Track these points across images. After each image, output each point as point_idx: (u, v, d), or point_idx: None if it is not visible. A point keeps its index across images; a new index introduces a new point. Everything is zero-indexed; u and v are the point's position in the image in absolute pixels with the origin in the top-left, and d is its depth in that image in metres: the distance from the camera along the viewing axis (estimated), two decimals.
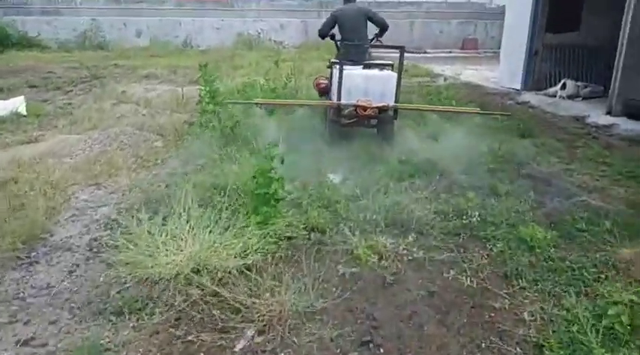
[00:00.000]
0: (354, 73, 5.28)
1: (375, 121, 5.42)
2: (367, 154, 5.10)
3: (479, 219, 3.58)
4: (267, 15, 19.23)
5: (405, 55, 5.10)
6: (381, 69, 5.49)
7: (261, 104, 5.78)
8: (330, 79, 5.94)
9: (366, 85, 5.21)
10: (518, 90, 9.75)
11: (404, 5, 21.04)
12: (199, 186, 3.98)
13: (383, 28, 5.89)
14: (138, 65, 13.65)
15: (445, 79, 11.34)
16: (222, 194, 3.68)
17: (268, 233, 3.14)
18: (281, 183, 3.30)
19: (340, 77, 5.14)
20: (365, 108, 5.11)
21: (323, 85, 6.18)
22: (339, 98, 5.19)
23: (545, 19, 9.30)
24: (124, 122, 6.72)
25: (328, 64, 5.99)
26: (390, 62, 5.64)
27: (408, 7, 20.75)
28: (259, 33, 19.03)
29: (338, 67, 5.17)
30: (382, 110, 5.15)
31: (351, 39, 5.70)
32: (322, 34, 6.02)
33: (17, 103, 7.20)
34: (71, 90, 9.72)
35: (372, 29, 6.01)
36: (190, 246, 3.00)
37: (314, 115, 6.46)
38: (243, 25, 18.91)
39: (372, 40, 5.94)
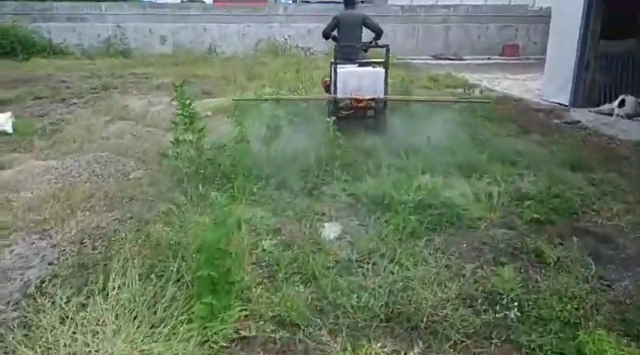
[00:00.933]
0: (347, 70, 6.02)
1: (372, 112, 6.26)
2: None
3: (518, 312, 2.55)
4: (294, 20, 18.44)
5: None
6: (373, 66, 6.19)
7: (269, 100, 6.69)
8: (331, 77, 6.35)
9: (358, 80, 5.96)
10: (565, 106, 8.51)
11: (439, 9, 19.83)
12: (151, 244, 3.11)
13: (377, 33, 6.62)
14: (156, 73, 13.09)
15: (481, 91, 10.19)
16: (173, 259, 2.80)
17: (212, 335, 2.23)
18: (238, 261, 2.37)
19: (335, 74, 5.96)
20: (359, 101, 5.89)
21: (328, 83, 6.66)
22: (335, 92, 5.98)
23: (598, 23, 8.05)
24: (108, 144, 5.98)
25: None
26: (380, 60, 6.12)
27: (444, 11, 19.52)
28: (286, 39, 18.25)
29: (340, 66, 5.94)
30: (375, 102, 5.96)
31: (347, 40, 6.47)
32: (325, 35, 6.93)
33: (2, 120, 6.57)
34: (75, 103, 9.13)
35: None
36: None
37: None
38: (269, 30, 18.18)
39: (369, 43, 6.61)
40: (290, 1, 47.69)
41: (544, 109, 8.42)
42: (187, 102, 4.31)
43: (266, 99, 6.80)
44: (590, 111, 7.94)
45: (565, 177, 4.70)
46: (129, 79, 12.24)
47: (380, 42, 6.53)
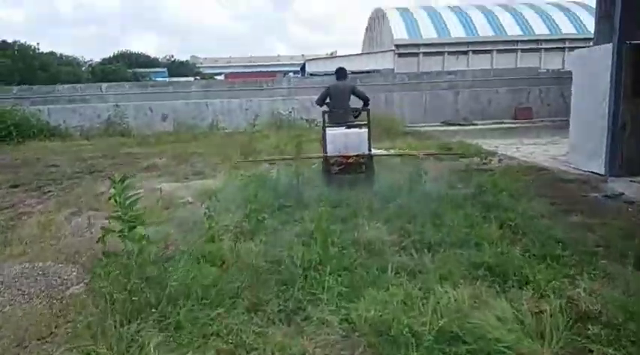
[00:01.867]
0: (335, 132, 6.92)
1: (363, 167, 6.81)
2: None
3: None
4: (297, 93, 18.07)
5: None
6: (359, 128, 7.01)
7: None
8: (322, 140, 7.05)
9: (345, 140, 6.82)
10: (601, 175, 7.41)
11: (444, 75, 19.42)
12: None
13: (364, 100, 7.55)
14: (151, 152, 12.44)
15: (500, 160, 9.18)
16: None
17: None
18: None
19: (324, 135, 6.85)
20: (347, 157, 6.70)
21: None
22: (325, 152, 6.83)
23: (630, 78, 7.11)
24: (61, 245, 4.99)
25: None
26: (364, 122, 6.85)
27: (451, 77, 19.08)
28: (290, 112, 17.80)
29: (329, 130, 6.88)
30: (358, 159, 6.72)
31: (337, 107, 7.43)
32: (318, 103, 7.77)
33: None
34: (50, 191, 8.29)
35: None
36: None
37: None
38: (272, 104, 17.79)
39: (358, 109, 7.61)
40: (299, 75, 48.75)
41: (576, 180, 7.31)
42: (128, 202, 3.26)
43: (265, 160, 8.37)
44: (633, 181, 6.82)
45: (633, 280, 3.52)
46: (119, 160, 11.53)
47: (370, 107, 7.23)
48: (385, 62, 39.67)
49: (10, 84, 27.55)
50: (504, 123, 18.18)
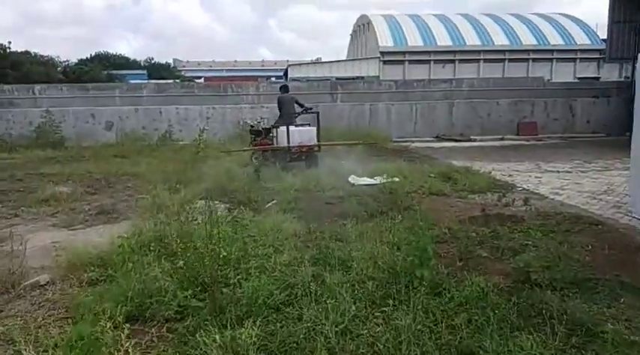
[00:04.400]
0: (294, 129, 9.52)
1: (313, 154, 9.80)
2: None
3: None
4: (267, 100, 15.45)
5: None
6: (308, 126, 10.02)
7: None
8: (275, 136, 9.92)
9: (300, 134, 9.58)
10: None
11: (439, 83, 17.00)
12: None
13: (304, 107, 10.38)
14: (70, 173, 9.72)
15: (526, 201, 6.66)
16: None
17: None
18: None
19: (288, 132, 9.24)
20: (304, 147, 9.57)
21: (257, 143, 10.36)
22: (289, 143, 9.25)
23: None
24: None
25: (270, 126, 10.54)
26: (308, 122, 10.17)
27: (445, 86, 16.67)
28: (258, 121, 15.14)
29: (283, 128, 9.45)
30: (311, 148, 9.68)
31: (287, 112, 10.13)
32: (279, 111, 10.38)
33: None
34: None
35: None
36: None
37: None
38: (238, 112, 15.16)
39: (299, 113, 10.33)
40: (281, 80, 46.28)
41: None
42: None
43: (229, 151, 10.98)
44: None
45: None
46: (19, 184, 8.78)
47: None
48: (370, 69, 37.55)
49: None
50: (506, 139, 15.82)
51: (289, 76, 40.08)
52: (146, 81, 43.52)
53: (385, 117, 15.73)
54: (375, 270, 3.93)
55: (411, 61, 37.40)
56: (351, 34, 52.51)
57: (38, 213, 6.67)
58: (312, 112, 10.08)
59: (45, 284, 4.01)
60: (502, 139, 15.82)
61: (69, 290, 3.89)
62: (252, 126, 11.53)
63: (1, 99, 14.51)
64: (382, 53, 37.36)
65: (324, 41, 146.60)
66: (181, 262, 3.79)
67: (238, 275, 3.94)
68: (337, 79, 28.50)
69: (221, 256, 3.87)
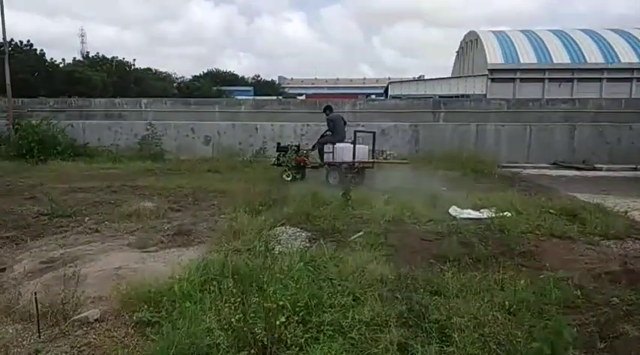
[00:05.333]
0: (359, 146, 10.27)
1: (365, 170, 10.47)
2: None
3: None
4: (364, 118, 14.75)
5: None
6: (363, 144, 10.49)
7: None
8: (331, 152, 10.43)
9: (359, 151, 10.24)
10: None
11: (558, 103, 15.13)
12: None
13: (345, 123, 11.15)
14: (161, 188, 9.70)
15: None
16: None
17: None
18: None
19: (353, 149, 10.16)
20: (360, 163, 10.21)
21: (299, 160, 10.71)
22: (354, 158, 10.13)
23: None
24: None
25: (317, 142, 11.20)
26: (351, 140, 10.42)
27: (566, 107, 14.77)
28: (353, 140, 14.48)
29: (341, 145, 10.40)
30: (365, 164, 10.36)
31: (341, 130, 10.85)
32: (330, 129, 10.95)
33: None
34: None
35: None
36: None
37: None
38: None
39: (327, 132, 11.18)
40: (382, 97, 45.65)
41: None
42: None
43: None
44: None
45: None
46: (113, 196, 8.84)
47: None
48: (477, 87, 35.61)
49: (104, 96, 27.06)
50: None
51: (389, 93, 39.29)
52: (251, 97, 45.31)
53: (493, 139, 14.25)
54: (483, 351, 2.94)
55: (522, 79, 34.86)
56: (457, 51, 50.53)
57: (119, 229, 6.47)
58: (368, 132, 11.03)
59: (94, 322, 3.55)
60: (635, 169, 13.58)
61: (115, 333, 3.39)
62: (279, 144, 11.63)
63: (112, 112, 15.35)
64: (490, 70, 35.26)
65: (427, 59, 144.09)
66: (237, 316, 3.09)
67: (307, 332, 3.18)
68: (441, 96, 27.15)
69: (286, 310, 3.14)
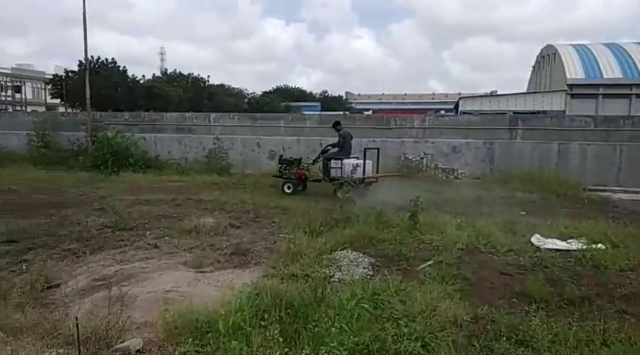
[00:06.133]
0: (368, 162, 10.78)
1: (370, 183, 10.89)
2: None
3: None
4: (434, 134, 14.04)
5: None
6: (368, 160, 10.84)
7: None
8: (328, 168, 10.90)
9: (367, 166, 10.74)
10: None
11: (605, 122, 13.62)
12: None
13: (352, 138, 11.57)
14: (224, 202, 9.60)
15: None
16: None
17: None
18: None
19: (363, 164, 10.62)
20: (366, 178, 10.60)
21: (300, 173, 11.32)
22: (364, 174, 10.53)
23: None
24: None
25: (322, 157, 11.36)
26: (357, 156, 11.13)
27: (613, 125, 13.28)
28: (422, 157, 13.86)
29: (348, 160, 10.75)
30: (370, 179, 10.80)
31: (349, 147, 11.25)
32: (339, 145, 11.19)
33: None
34: (50, 253, 5.68)
35: None
36: None
37: None
38: (399, 146, 14.04)
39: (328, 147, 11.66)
40: (452, 113, 44.28)
41: None
42: None
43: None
44: None
45: None
46: (177, 209, 8.83)
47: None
48: (554, 103, 33.61)
49: (180, 110, 28.27)
50: None
51: (460, 108, 37.96)
52: (318, 112, 45.54)
53: (578, 159, 13.04)
54: None
55: (605, 95, 32.46)
56: (533, 66, 48.19)
57: (177, 245, 6.31)
58: (373, 148, 11.64)
59: (135, 353, 3.28)
60: None
61: None
62: (281, 156, 12.40)
63: (183, 126, 15.72)
64: (570, 86, 33.14)
65: (499, 73, 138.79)
66: None
67: None
68: (515, 113, 25.72)
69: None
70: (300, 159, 11.81)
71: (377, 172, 11.08)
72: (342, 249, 5.80)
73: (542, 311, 4.03)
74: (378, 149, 11.57)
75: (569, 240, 6.35)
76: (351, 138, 11.41)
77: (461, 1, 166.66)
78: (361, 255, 5.67)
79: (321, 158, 11.45)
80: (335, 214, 7.47)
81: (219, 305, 3.78)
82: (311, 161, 11.80)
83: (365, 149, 11.01)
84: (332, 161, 10.87)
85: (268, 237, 6.85)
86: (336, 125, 11.76)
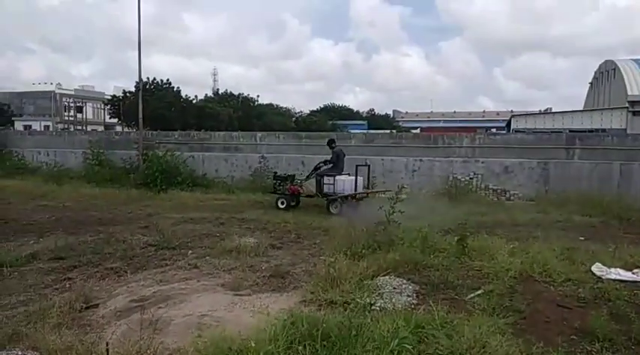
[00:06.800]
0: (360, 178, 11.39)
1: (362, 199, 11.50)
2: None
3: None
4: (485, 154, 13.51)
5: None
6: (361, 177, 11.45)
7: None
8: (321, 184, 11.41)
9: (359, 183, 11.40)
10: None
11: None
12: None
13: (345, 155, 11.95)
14: (267, 221, 9.54)
15: None
16: None
17: None
18: None
19: (352, 181, 11.20)
20: (358, 194, 11.30)
21: (293, 189, 11.85)
22: (355, 190, 11.19)
23: None
24: None
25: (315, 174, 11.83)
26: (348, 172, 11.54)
27: None
28: (471, 178, 13.36)
29: (341, 177, 11.23)
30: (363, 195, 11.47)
31: (342, 164, 11.58)
32: (332, 161, 11.70)
33: None
34: (93, 271, 5.76)
35: None
36: None
37: None
38: (448, 166, 13.60)
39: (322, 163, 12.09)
40: (503, 131, 42.94)
41: None
42: None
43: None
44: None
45: None
46: (220, 228, 8.84)
47: None
48: (613, 121, 31.93)
49: (230, 129, 29.05)
50: None
51: (512, 126, 36.74)
52: (365, 130, 45.37)
53: None
54: None
55: None
56: (591, 82, 46.22)
57: (217, 266, 6.25)
58: (364, 165, 12.03)
59: None
60: None
61: None
62: (275, 173, 12.98)
63: (230, 145, 15.95)
64: (631, 102, 31.41)
65: (554, 90, 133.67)
66: None
67: None
68: (571, 131, 24.57)
69: None
70: (294, 176, 12.36)
71: (368, 187, 11.93)
72: (384, 275, 5.53)
73: (607, 351, 3.62)
74: (369, 166, 12.18)
75: (634, 270, 5.79)
76: (344, 155, 11.78)
77: (513, 18, 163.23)
78: (405, 281, 5.38)
79: (314, 175, 11.88)
80: (378, 236, 7.20)
81: (254, 332, 3.63)
82: (305, 177, 12.28)
83: (356, 166, 11.43)
84: (325, 177, 11.37)
85: (309, 259, 6.68)
86: (331, 143, 12.28)
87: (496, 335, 3.73)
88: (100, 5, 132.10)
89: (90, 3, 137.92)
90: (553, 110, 46.17)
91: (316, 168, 11.93)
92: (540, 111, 53.76)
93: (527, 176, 13.11)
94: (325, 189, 11.29)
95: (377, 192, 11.89)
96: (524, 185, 13.05)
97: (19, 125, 49.87)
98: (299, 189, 11.88)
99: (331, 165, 11.66)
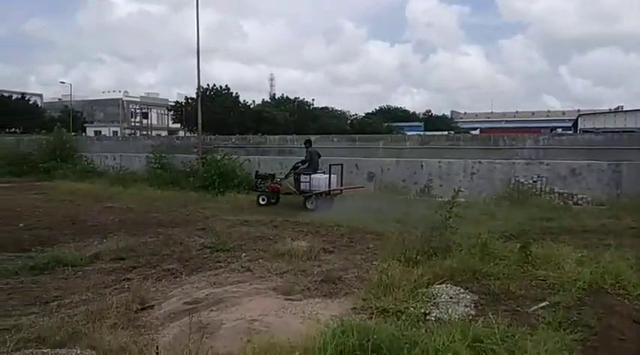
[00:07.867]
0: (333, 176, 12.18)
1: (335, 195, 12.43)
2: None
3: None
4: (549, 155, 12.81)
5: None
6: (331, 173, 12.19)
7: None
8: (299, 181, 12.22)
9: (333, 180, 12.22)
10: None
11: None
12: None
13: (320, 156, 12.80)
14: (320, 224, 9.50)
15: None
16: None
17: None
18: None
19: (327, 179, 12.08)
20: (333, 190, 12.19)
21: (273, 186, 12.73)
22: (329, 187, 12.04)
23: None
24: None
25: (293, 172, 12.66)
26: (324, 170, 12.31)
27: None
28: (535, 181, 12.71)
29: (317, 175, 12.11)
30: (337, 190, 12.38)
31: (317, 163, 12.46)
32: (307, 161, 12.51)
33: None
34: (151, 273, 5.95)
35: None
36: None
37: None
38: (510, 168, 13.00)
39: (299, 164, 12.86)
40: (569, 131, 40.85)
41: None
42: None
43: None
44: None
45: None
46: (274, 231, 8.89)
47: None
48: None
49: (286, 133, 29.71)
50: None
51: (579, 126, 34.88)
52: (421, 132, 44.54)
53: None
54: None
55: None
56: None
57: (270, 269, 6.25)
58: (337, 164, 12.62)
59: None
60: None
61: None
62: (257, 172, 13.81)
63: (284, 148, 16.13)
64: None
65: (626, 88, 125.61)
66: None
67: None
68: None
69: None
70: (274, 175, 13.27)
71: (341, 185, 12.61)
72: (440, 283, 5.29)
73: None
74: (342, 165, 12.82)
75: None
76: (319, 156, 12.65)
77: (579, 13, 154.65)
78: (462, 290, 5.12)
79: (292, 173, 12.73)
80: (434, 242, 6.94)
81: (303, 340, 3.55)
82: (284, 176, 13.14)
83: (330, 165, 12.25)
84: (301, 176, 12.20)
85: (361, 265, 6.54)
86: (307, 143, 13.27)
87: (563, 352, 3.45)
88: (165, 17, 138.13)
89: (156, 15, 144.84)
90: (624, 108, 43.36)
91: (294, 168, 12.70)
92: (610, 109, 50.68)
93: (596, 179, 12.28)
94: (302, 186, 12.13)
95: (350, 188, 12.87)
96: (594, 188, 12.24)
97: (90, 131, 53.15)
98: (278, 186, 12.67)
99: (306, 164, 12.44)
